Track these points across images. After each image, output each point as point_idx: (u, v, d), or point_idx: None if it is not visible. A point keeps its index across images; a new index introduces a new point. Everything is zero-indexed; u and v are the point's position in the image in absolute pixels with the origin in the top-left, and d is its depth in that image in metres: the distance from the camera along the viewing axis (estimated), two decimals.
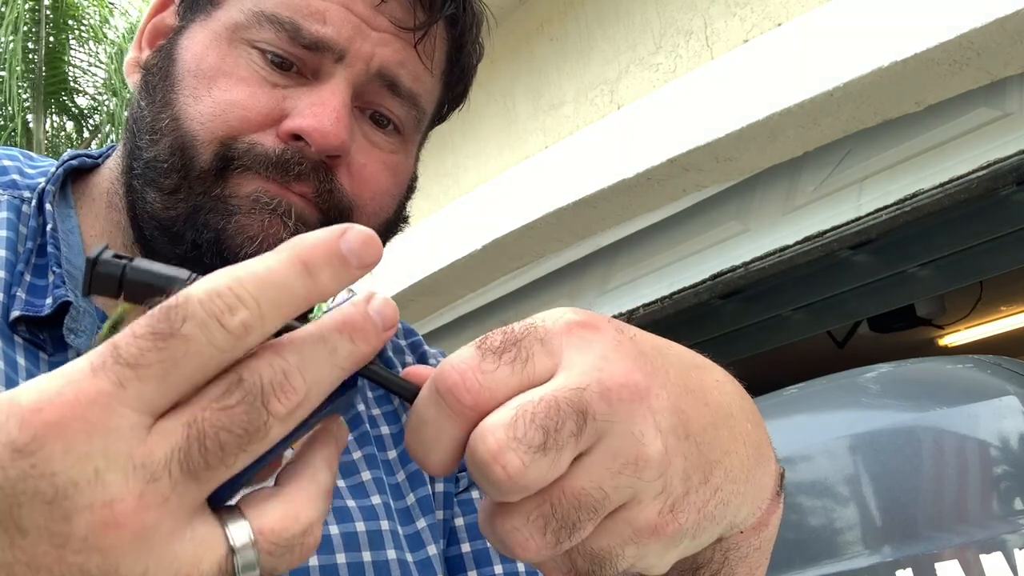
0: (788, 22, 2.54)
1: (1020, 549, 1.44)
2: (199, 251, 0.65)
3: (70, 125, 8.65)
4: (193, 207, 0.65)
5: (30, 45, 7.57)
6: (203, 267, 0.65)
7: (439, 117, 0.79)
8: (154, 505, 0.32)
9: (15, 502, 0.32)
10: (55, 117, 8.47)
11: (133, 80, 0.72)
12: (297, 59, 0.67)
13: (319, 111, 0.65)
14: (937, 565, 1.49)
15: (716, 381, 0.46)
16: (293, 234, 0.65)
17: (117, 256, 0.37)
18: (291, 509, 0.36)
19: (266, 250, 0.64)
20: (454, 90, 0.78)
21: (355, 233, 0.39)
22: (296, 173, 0.66)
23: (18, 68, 7.34)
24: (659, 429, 0.40)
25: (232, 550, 0.34)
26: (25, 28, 7.27)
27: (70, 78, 8.09)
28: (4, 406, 0.32)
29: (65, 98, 8.18)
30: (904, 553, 1.54)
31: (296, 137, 0.66)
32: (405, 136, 0.73)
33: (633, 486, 0.39)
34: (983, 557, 1.45)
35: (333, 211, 0.68)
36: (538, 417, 0.37)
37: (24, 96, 7.60)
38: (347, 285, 0.38)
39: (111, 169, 0.74)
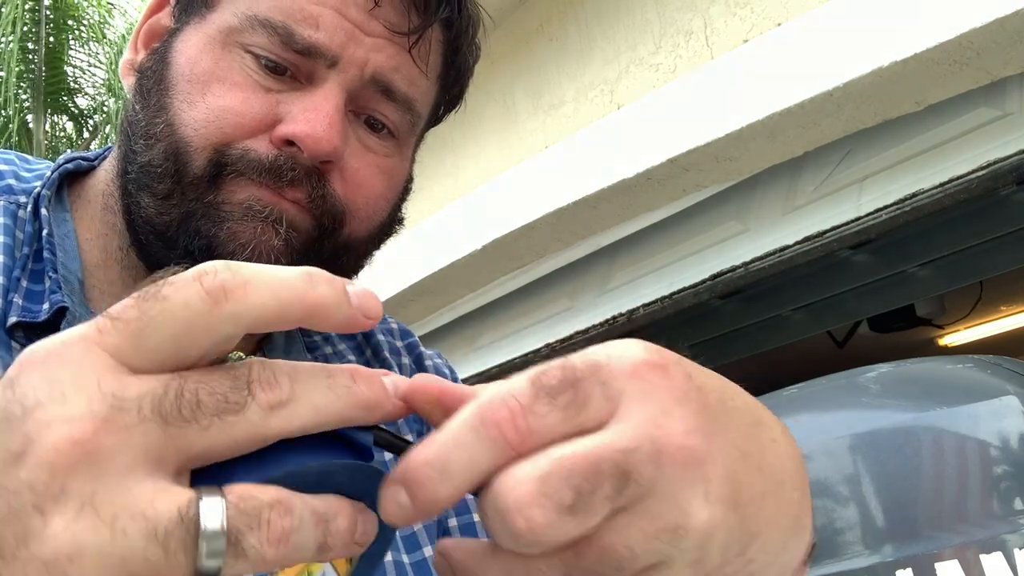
0: (788, 22, 2.53)
1: (1020, 549, 1.44)
2: (192, 257, 0.65)
3: (70, 125, 8.65)
4: (186, 213, 0.65)
5: (30, 45, 7.56)
6: None
7: (435, 119, 0.79)
8: (115, 431, 0.32)
9: None
10: (55, 117, 8.46)
11: (128, 82, 0.72)
12: (290, 64, 0.67)
13: (312, 116, 0.65)
14: (937, 565, 1.48)
15: (772, 441, 0.43)
16: (285, 241, 0.65)
17: None
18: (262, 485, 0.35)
19: (258, 257, 0.64)
20: (450, 92, 0.78)
21: (364, 292, 0.39)
22: (289, 179, 0.65)
23: (17, 68, 7.33)
24: (708, 499, 0.37)
25: (197, 498, 0.32)
26: (25, 28, 7.26)
27: (70, 78, 8.09)
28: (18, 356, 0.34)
29: (65, 98, 8.17)
30: (904, 553, 1.54)
31: (289, 143, 0.65)
32: (400, 140, 0.73)
33: (668, 553, 0.37)
34: (983, 557, 1.45)
35: (326, 216, 0.68)
36: (574, 476, 0.35)
37: (24, 96, 7.60)
38: (337, 304, 0.37)
39: (107, 171, 0.73)
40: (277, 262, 0.65)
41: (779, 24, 2.56)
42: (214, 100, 0.66)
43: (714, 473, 0.38)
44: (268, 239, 0.65)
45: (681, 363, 0.40)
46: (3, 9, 7.40)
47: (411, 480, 0.36)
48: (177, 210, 0.66)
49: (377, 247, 0.75)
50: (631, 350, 0.39)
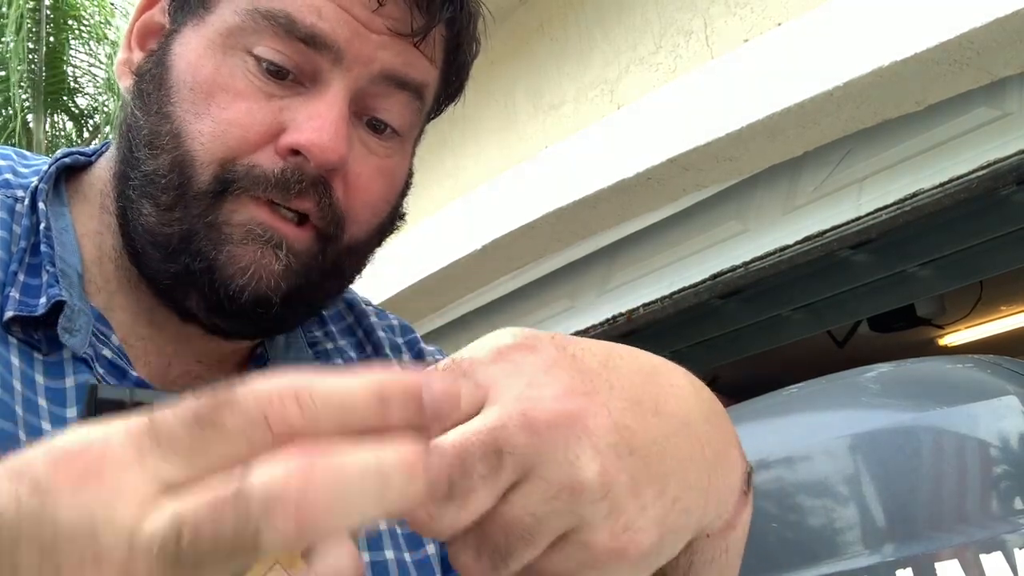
0: (788, 22, 2.53)
1: (1020, 549, 1.44)
2: (192, 277, 0.65)
3: (70, 125, 8.65)
4: (188, 231, 0.65)
5: (30, 45, 7.56)
6: (196, 292, 0.66)
7: (435, 111, 0.78)
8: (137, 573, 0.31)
9: (18, 536, 0.31)
10: (55, 117, 8.46)
11: (125, 83, 0.71)
12: (293, 64, 0.66)
13: (317, 124, 0.65)
14: (937, 565, 1.48)
15: (672, 386, 0.46)
16: (285, 266, 0.66)
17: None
18: None
19: (258, 281, 0.65)
20: (451, 86, 0.77)
21: (437, 384, 0.39)
22: (296, 191, 0.65)
23: (19, 68, 7.33)
24: (596, 450, 0.39)
25: None
26: (26, 28, 7.27)
27: (70, 78, 8.08)
28: (43, 446, 0.33)
29: (65, 98, 8.17)
30: (904, 553, 1.54)
31: (295, 152, 0.65)
32: (403, 137, 0.72)
33: (574, 511, 0.39)
34: (983, 557, 1.45)
35: (331, 225, 0.67)
36: (444, 468, 0.38)
37: (24, 96, 7.60)
38: (411, 426, 0.36)
39: (104, 171, 0.73)
40: (277, 285, 0.65)
41: (779, 24, 2.56)
42: (219, 112, 0.65)
43: (597, 424, 0.40)
44: (268, 263, 0.65)
45: (554, 340, 0.43)
46: (3, 9, 7.39)
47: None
48: (179, 225, 0.66)
49: (378, 246, 0.75)
50: (497, 338, 0.42)
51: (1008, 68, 2.26)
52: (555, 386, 0.40)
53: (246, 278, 0.64)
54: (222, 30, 0.67)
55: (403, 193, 0.76)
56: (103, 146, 0.76)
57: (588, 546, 0.40)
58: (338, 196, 0.68)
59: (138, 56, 0.71)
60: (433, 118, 0.79)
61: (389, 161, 0.71)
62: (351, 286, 0.79)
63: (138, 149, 0.67)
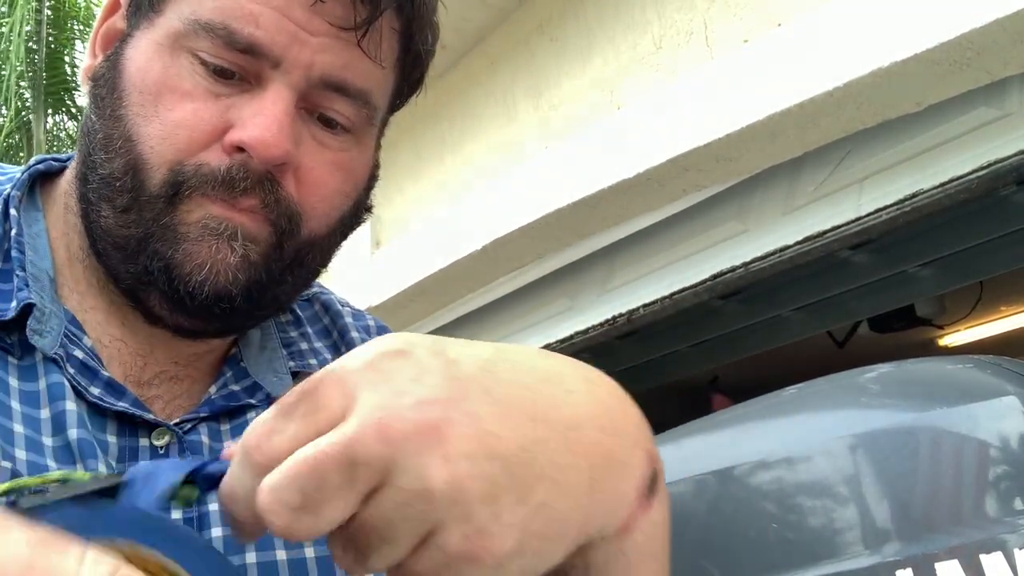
0: (788, 22, 2.53)
1: (1020, 549, 1.44)
2: (151, 276, 0.66)
3: (70, 125, 8.65)
4: (145, 233, 0.66)
5: (31, 45, 7.56)
6: (157, 292, 0.67)
7: (396, 105, 0.78)
8: None
9: None
10: (56, 116, 8.46)
11: (86, 88, 0.72)
12: (237, 67, 0.66)
13: (260, 122, 0.65)
14: (937, 565, 1.48)
15: (565, 392, 0.46)
16: (242, 257, 0.66)
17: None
18: None
19: (215, 276, 0.66)
20: (410, 77, 0.76)
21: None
22: (242, 189, 0.66)
23: (19, 68, 7.33)
24: (447, 458, 0.40)
25: None
26: (27, 28, 7.27)
27: (70, 77, 8.08)
28: None
29: (65, 97, 8.17)
30: (904, 553, 1.54)
31: (240, 149, 0.65)
32: (356, 134, 0.72)
33: (427, 516, 0.40)
34: (983, 557, 1.45)
35: (282, 219, 0.68)
36: (299, 479, 0.40)
37: (25, 96, 7.60)
38: None
39: (70, 172, 0.74)
40: (235, 279, 0.66)
41: (779, 24, 2.56)
42: (167, 114, 0.66)
43: (455, 432, 0.41)
44: (224, 257, 0.66)
45: (434, 343, 0.44)
46: (3, 8, 7.39)
47: (225, 510, 0.44)
48: (136, 227, 0.66)
49: (343, 239, 0.76)
50: (374, 345, 0.44)
51: (1008, 68, 2.26)
52: (418, 394, 0.41)
53: (203, 273, 0.65)
54: (169, 33, 0.67)
55: (367, 186, 0.75)
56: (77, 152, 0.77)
57: (442, 548, 0.41)
58: (290, 191, 0.68)
59: (99, 61, 0.72)
60: (397, 109, 0.78)
61: (344, 155, 0.71)
62: (322, 281, 0.79)
63: (95, 152, 0.68)
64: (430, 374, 0.42)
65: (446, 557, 0.41)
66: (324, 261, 0.75)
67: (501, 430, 0.42)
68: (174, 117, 0.66)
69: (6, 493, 0.45)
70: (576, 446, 0.45)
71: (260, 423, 0.43)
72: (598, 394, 0.48)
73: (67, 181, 0.74)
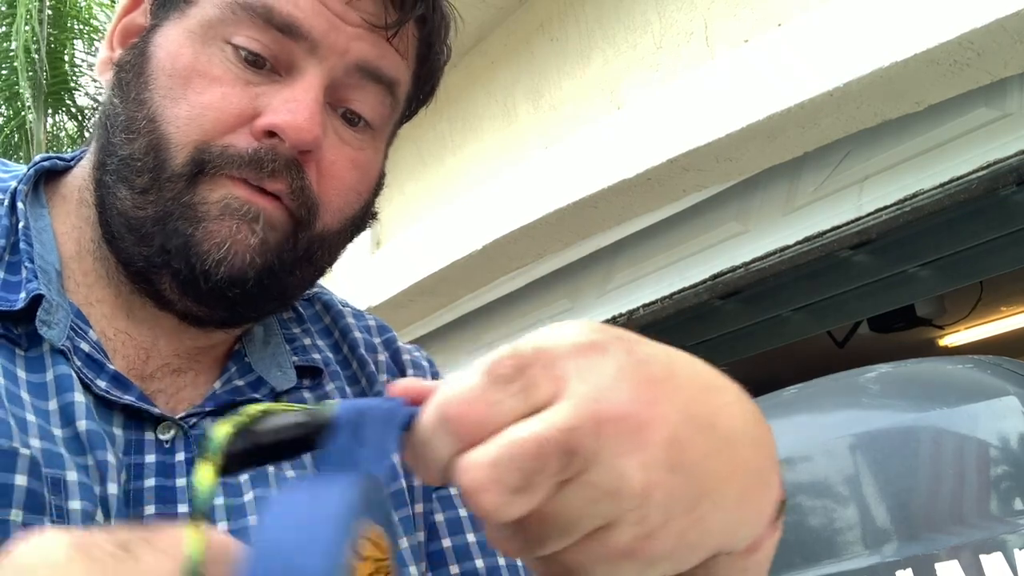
0: (788, 22, 2.53)
1: (1020, 549, 1.44)
2: (167, 255, 0.66)
3: (71, 124, 8.65)
4: (163, 212, 0.66)
5: (32, 45, 7.57)
6: (171, 271, 0.67)
7: (407, 114, 0.80)
8: None
9: None
10: (56, 116, 8.46)
11: (106, 78, 0.73)
12: (270, 53, 0.67)
13: (293, 107, 0.66)
14: (937, 565, 1.49)
15: (725, 404, 0.46)
16: (261, 240, 0.66)
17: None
18: None
19: (233, 256, 0.66)
20: (422, 89, 0.78)
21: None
22: (270, 170, 0.66)
23: (18, 67, 7.34)
24: (645, 464, 0.40)
25: None
26: (27, 28, 7.27)
27: (70, 77, 8.09)
28: None
29: (65, 97, 8.17)
30: (904, 553, 1.54)
31: (270, 134, 0.66)
32: (376, 131, 0.73)
33: (609, 514, 0.40)
34: (983, 557, 1.45)
35: (302, 208, 0.68)
36: (523, 459, 0.38)
37: (25, 95, 7.61)
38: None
39: (83, 167, 0.74)
40: (252, 261, 0.66)
41: (779, 24, 2.56)
42: (195, 96, 0.66)
43: (653, 438, 0.41)
44: (244, 237, 0.66)
45: (622, 340, 0.43)
46: (3, 8, 7.39)
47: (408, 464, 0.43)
48: (153, 207, 0.67)
49: (349, 240, 0.76)
50: (573, 332, 0.43)
51: (1008, 68, 2.26)
52: (625, 393, 0.41)
53: (222, 252, 0.65)
54: (202, 21, 0.68)
55: (375, 191, 0.77)
56: (81, 152, 0.78)
57: (606, 544, 0.41)
58: (311, 181, 0.69)
59: (119, 52, 0.73)
60: (406, 121, 0.80)
61: (362, 153, 0.72)
62: (322, 282, 0.79)
63: (115, 135, 0.69)
64: (629, 373, 0.42)
65: (608, 553, 0.41)
66: (331, 259, 0.75)
67: (685, 438, 0.42)
68: (203, 100, 0.66)
69: (252, 420, 0.41)
70: (734, 460, 0.45)
71: (465, 389, 0.41)
72: (746, 408, 0.48)
73: (79, 176, 0.74)
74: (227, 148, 0.66)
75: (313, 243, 0.71)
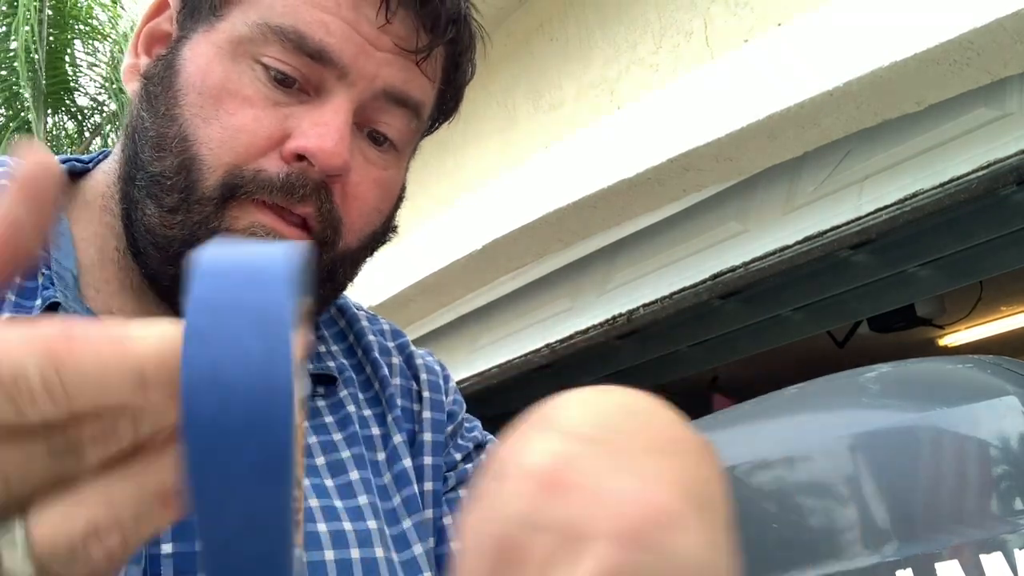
0: (788, 22, 2.53)
1: (1020, 549, 1.44)
2: None
3: (71, 125, 8.64)
4: (190, 235, 0.66)
5: (32, 45, 7.57)
6: None
7: (429, 129, 0.80)
8: None
9: None
10: (56, 116, 8.46)
11: (132, 87, 0.72)
12: (300, 75, 0.67)
13: (323, 131, 0.66)
14: (937, 565, 1.49)
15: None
16: None
17: None
18: (73, 511, 0.30)
19: None
20: (446, 105, 0.79)
21: None
22: (300, 196, 0.66)
23: (18, 67, 7.34)
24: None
25: None
26: (27, 28, 7.27)
27: (70, 77, 8.09)
28: None
29: (65, 97, 8.17)
30: (904, 553, 1.54)
31: (299, 157, 0.66)
32: (400, 151, 0.74)
33: None
34: (983, 557, 1.45)
35: (328, 230, 0.69)
36: None
37: (25, 96, 7.61)
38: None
39: (106, 174, 0.74)
40: None
41: (779, 24, 2.56)
42: (227, 118, 0.66)
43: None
44: None
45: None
46: (3, 8, 7.39)
47: None
48: (181, 229, 0.66)
49: (370, 255, 0.77)
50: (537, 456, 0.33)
51: (1008, 68, 2.26)
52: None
53: None
54: (232, 38, 0.68)
55: (396, 206, 0.77)
56: (100, 153, 0.77)
57: None
58: (336, 202, 0.69)
59: (145, 61, 0.72)
60: (427, 135, 0.81)
61: (386, 173, 0.73)
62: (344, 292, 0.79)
63: (144, 151, 0.68)
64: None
65: None
66: (352, 275, 0.76)
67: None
68: (235, 122, 0.66)
69: None
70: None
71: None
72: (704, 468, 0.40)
73: (100, 183, 0.74)
74: (259, 173, 0.66)
75: (335, 262, 0.71)
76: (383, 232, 0.76)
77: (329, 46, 0.66)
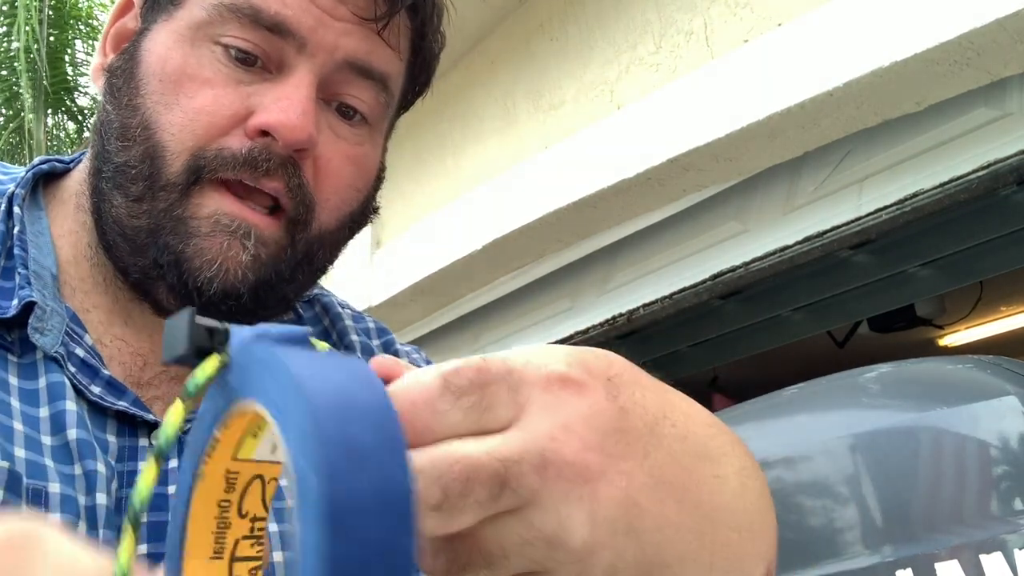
0: (788, 22, 2.53)
1: (1020, 549, 1.44)
2: (161, 270, 0.66)
3: (71, 125, 8.65)
4: (155, 225, 0.66)
5: (33, 45, 7.57)
6: (166, 285, 0.66)
7: (403, 106, 0.79)
8: None
9: None
10: (56, 116, 8.46)
11: (99, 84, 0.72)
12: (260, 51, 0.67)
13: (285, 105, 0.65)
14: (937, 565, 1.49)
15: (715, 477, 0.43)
16: (253, 256, 0.65)
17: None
18: None
19: (225, 273, 0.65)
20: (417, 79, 0.78)
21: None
22: (265, 170, 0.66)
23: (18, 67, 7.34)
24: (593, 518, 0.37)
25: None
26: (28, 28, 7.27)
27: (70, 77, 8.09)
28: None
29: (65, 97, 8.17)
30: (904, 553, 1.54)
31: (263, 133, 0.66)
32: (372, 125, 0.73)
33: (542, 562, 0.37)
34: (983, 557, 1.45)
35: (300, 207, 0.68)
36: (447, 479, 0.36)
37: (25, 96, 7.61)
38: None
39: (80, 171, 0.74)
40: (244, 277, 0.66)
41: (779, 24, 2.56)
42: (187, 101, 0.66)
43: (607, 493, 0.38)
44: (235, 254, 0.65)
45: (610, 383, 0.40)
46: (3, 8, 7.40)
47: None
48: (147, 218, 0.66)
49: (350, 237, 0.75)
50: (551, 360, 0.39)
51: (1008, 68, 2.26)
52: (586, 439, 0.38)
53: (213, 270, 0.65)
54: (192, 23, 0.68)
55: (375, 185, 0.76)
56: (80, 154, 0.77)
57: None
58: (308, 179, 0.68)
59: (112, 58, 0.72)
60: (403, 112, 0.80)
61: (359, 148, 0.72)
62: (328, 288, 0.78)
63: (110, 142, 0.68)
64: (601, 419, 0.38)
65: None
66: (332, 258, 0.75)
67: (647, 503, 0.39)
68: (195, 104, 0.66)
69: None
70: (707, 541, 0.41)
71: (417, 389, 0.37)
72: (745, 488, 0.44)
73: (77, 180, 0.74)
74: (221, 151, 0.66)
75: (312, 244, 0.70)
76: (361, 212, 0.75)
77: (286, 18, 0.66)
